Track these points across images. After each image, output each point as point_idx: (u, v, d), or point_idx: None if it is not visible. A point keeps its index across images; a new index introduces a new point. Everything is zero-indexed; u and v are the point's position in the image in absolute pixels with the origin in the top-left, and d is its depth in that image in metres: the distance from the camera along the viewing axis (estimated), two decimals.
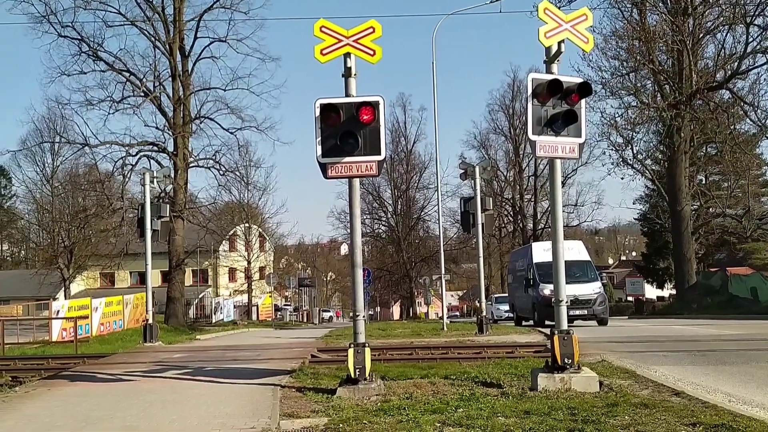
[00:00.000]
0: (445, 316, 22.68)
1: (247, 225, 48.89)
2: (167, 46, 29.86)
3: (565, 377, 7.08)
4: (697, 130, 31.47)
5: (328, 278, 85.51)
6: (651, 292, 52.48)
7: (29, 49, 73.29)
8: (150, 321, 18.05)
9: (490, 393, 7.19)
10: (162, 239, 19.63)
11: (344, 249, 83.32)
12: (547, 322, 19.38)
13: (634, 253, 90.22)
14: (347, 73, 7.61)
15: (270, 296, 54.74)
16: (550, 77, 7.36)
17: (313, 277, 65.43)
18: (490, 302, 35.68)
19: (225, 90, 30.94)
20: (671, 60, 30.50)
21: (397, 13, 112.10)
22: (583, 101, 7.52)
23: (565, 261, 7.82)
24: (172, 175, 28.22)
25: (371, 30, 7.53)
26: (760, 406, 6.24)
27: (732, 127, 30.05)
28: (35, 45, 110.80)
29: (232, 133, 31.52)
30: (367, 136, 7.39)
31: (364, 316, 7.72)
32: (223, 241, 49.69)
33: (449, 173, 74.63)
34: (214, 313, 44.30)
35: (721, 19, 28.19)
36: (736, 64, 27.71)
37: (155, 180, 18.60)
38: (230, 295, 52.86)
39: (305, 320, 52.56)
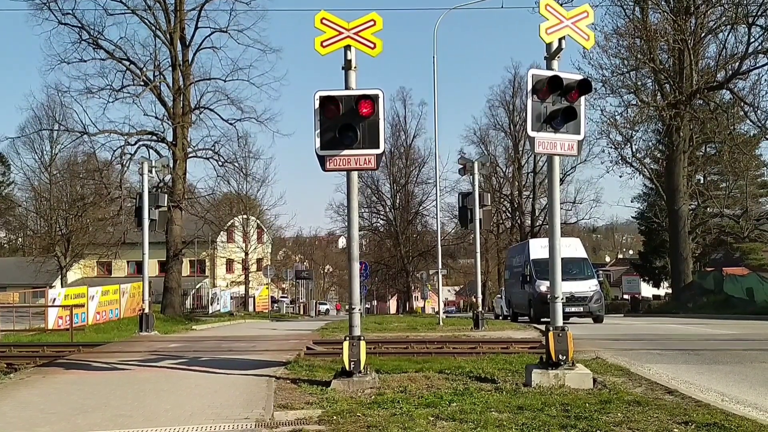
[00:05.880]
0: (441, 311, 22.75)
1: (245, 216, 48.85)
2: (168, 36, 29.77)
3: (559, 374, 7.11)
4: (696, 130, 31.50)
5: (326, 271, 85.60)
6: (647, 290, 52.59)
7: (29, 36, 73.23)
8: (146, 310, 18.04)
9: (484, 388, 7.21)
10: (159, 229, 19.60)
11: (342, 242, 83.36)
12: (542, 319, 19.44)
13: (631, 252, 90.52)
14: (347, 66, 7.59)
15: (267, 288, 54.76)
16: (550, 74, 7.36)
17: (311, 269, 65.50)
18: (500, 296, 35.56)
19: (225, 81, 30.96)
20: (672, 59, 30.47)
21: (399, 7, 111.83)
22: (582, 98, 7.52)
23: (562, 258, 7.84)
24: (171, 165, 28.20)
25: (372, 23, 7.50)
26: (753, 406, 6.28)
27: (732, 127, 30.06)
28: (35, 32, 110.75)
29: (231, 124, 31.54)
30: (366, 129, 7.39)
31: (360, 310, 7.73)
32: (221, 232, 49.61)
33: (448, 168, 74.74)
34: (211, 304, 44.32)
35: (724, 18, 28.14)
36: (737, 64, 27.68)
37: (154, 169, 18.55)
38: (227, 286, 52.87)
39: (302, 312, 52.65)
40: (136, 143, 29.65)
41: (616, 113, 31.08)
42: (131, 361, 10.40)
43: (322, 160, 7.46)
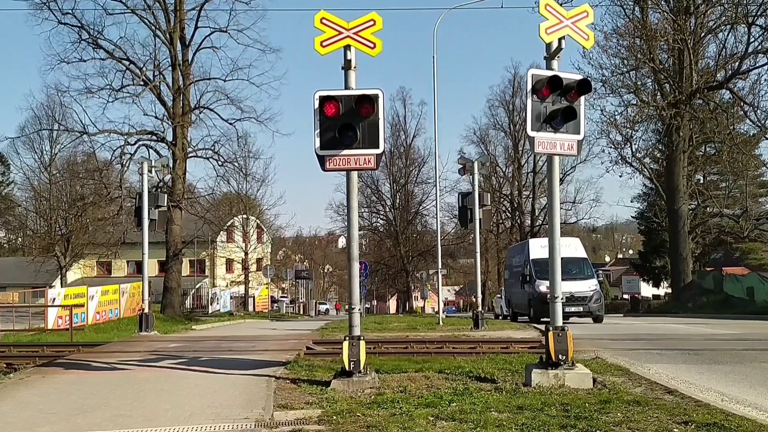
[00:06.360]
0: (440, 311, 22.76)
1: (245, 216, 48.86)
2: (167, 35, 29.77)
3: (559, 373, 7.11)
4: (696, 130, 31.51)
5: (325, 271, 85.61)
6: (647, 290, 52.56)
7: (29, 36, 73.35)
8: (146, 310, 18.03)
9: (484, 388, 7.21)
10: (159, 229, 19.59)
11: (342, 242, 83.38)
12: (542, 319, 19.44)
13: (631, 251, 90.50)
14: (347, 66, 7.58)
15: (267, 288, 54.74)
16: (549, 73, 7.36)
17: (310, 269, 65.48)
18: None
19: (225, 80, 30.96)
20: (672, 59, 30.46)
21: (399, 7, 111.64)
22: (582, 98, 7.52)
23: (562, 258, 7.85)
24: (171, 165, 28.19)
25: (372, 23, 7.50)
26: (753, 406, 6.28)
27: (731, 127, 30.06)
28: (35, 32, 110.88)
29: (231, 123, 31.54)
30: (365, 129, 7.39)
31: (359, 310, 7.73)
32: (221, 232, 49.61)
33: (448, 168, 74.76)
34: (211, 304, 44.31)
35: (723, 18, 28.14)
36: (736, 64, 27.68)
37: (153, 169, 18.53)
38: (227, 286, 52.85)
39: (301, 312, 52.65)
40: (135, 143, 29.68)
41: (616, 113, 31.12)
42: (131, 361, 10.40)
43: (321, 160, 7.46)
